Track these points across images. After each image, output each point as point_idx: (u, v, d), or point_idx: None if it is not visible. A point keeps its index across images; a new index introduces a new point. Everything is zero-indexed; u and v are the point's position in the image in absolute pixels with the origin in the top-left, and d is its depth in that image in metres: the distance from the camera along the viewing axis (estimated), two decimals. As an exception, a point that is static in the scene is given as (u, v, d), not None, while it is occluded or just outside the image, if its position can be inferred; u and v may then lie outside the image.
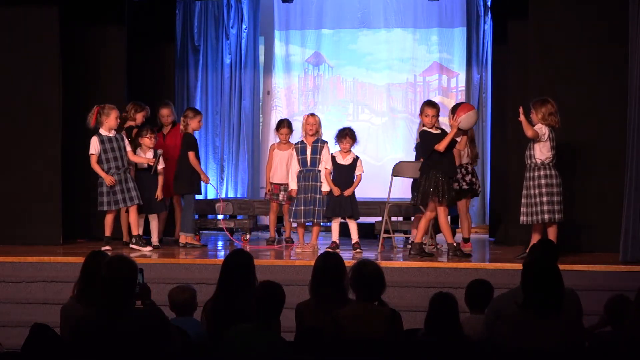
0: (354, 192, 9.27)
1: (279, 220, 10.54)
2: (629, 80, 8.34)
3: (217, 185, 12.45)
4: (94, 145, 9.17)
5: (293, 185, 9.40)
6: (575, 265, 7.93)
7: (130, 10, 10.58)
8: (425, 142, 8.82)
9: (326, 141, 9.42)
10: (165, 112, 10.16)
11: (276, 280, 5.26)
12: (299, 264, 8.26)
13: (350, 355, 4.95)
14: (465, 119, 8.63)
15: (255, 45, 12.86)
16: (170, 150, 9.89)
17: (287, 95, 12.99)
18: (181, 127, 9.70)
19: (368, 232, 10.28)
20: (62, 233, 9.79)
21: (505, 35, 10.39)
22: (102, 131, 9.20)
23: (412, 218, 9.89)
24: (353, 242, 9.24)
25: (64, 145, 9.86)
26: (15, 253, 8.80)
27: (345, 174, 9.29)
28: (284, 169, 9.82)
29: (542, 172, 8.36)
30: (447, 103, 12.08)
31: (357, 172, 9.31)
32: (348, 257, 8.64)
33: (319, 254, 5.83)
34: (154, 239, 9.51)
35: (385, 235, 9.55)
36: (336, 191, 9.19)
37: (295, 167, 9.40)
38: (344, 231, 9.42)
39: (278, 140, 10.09)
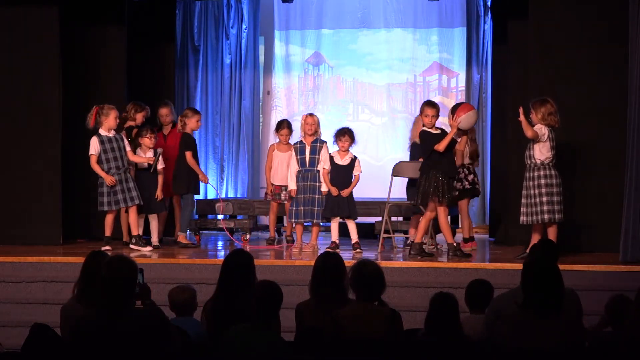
0: (352, 192, 9.27)
1: (279, 220, 10.55)
2: (629, 80, 8.34)
3: (217, 185, 12.45)
4: (94, 146, 9.17)
5: (292, 186, 9.41)
6: (575, 265, 7.93)
7: (130, 10, 10.58)
8: (425, 142, 8.82)
9: (325, 141, 9.42)
10: (164, 112, 10.16)
11: (276, 280, 5.26)
12: (299, 264, 8.26)
13: (350, 355, 4.95)
14: (465, 119, 8.63)
15: (255, 45, 12.86)
16: (170, 150, 9.89)
17: (287, 95, 12.99)
18: (178, 127, 9.73)
19: (368, 232, 10.28)
20: (62, 233, 9.79)
21: (505, 35, 10.39)
22: (102, 131, 9.20)
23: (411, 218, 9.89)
24: (353, 242, 9.24)
25: (64, 145, 9.86)
26: (15, 253, 8.79)
27: (343, 174, 9.29)
28: (284, 170, 9.80)
29: (541, 172, 8.36)
30: (447, 103, 12.09)
31: (355, 172, 9.30)
32: (348, 257, 8.64)
33: (319, 254, 5.84)
34: (154, 239, 9.51)
35: (385, 235, 9.55)
36: (334, 191, 9.20)
37: (294, 167, 9.41)
38: (344, 231, 9.43)
39: (278, 141, 10.09)
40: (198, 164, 9.77)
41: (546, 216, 8.33)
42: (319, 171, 9.31)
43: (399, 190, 10.10)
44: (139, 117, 9.82)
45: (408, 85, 12.78)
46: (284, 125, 10.03)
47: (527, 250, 7.90)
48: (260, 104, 13.01)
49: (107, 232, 9.25)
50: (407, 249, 9.24)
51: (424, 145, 8.84)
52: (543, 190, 8.34)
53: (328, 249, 7.90)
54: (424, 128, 8.88)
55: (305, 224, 9.54)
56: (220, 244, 10.78)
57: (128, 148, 9.34)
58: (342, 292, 5.45)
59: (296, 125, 10.11)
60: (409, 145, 9.84)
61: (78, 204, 10.17)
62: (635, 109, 8.24)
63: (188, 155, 9.56)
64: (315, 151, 9.34)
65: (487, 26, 12.27)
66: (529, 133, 8.31)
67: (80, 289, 5.48)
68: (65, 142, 9.88)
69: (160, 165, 9.57)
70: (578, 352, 4.82)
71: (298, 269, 8.08)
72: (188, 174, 9.60)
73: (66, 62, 9.97)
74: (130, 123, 9.77)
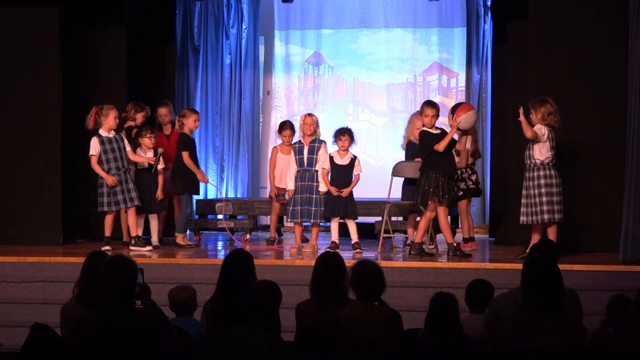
0: (352, 192, 9.26)
1: (279, 220, 10.55)
2: (629, 80, 8.34)
3: (217, 185, 12.44)
4: (94, 146, 9.17)
5: (291, 186, 9.41)
6: (575, 265, 7.93)
7: (130, 10, 10.58)
8: (425, 142, 8.81)
9: (324, 141, 9.42)
10: (163, 112, 10.14)
11: (276, 280, 5.26)
12: (299, 264, 8.26)
13: (350, 355, 4.95)
14: (464, 119, 8.63)
15: (255, 45, 12.85)
16: (173, 150, 9.87)
17: (287, 95, 12.99)
18: (176, 126, 9.72)
19: (368, 232, 10.28)
20: (62, 233, 9.79)
21: (505, 35, 10.39)
22: (102, 132, 9.20)
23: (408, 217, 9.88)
24: (353, 242, 9.24)
25: (64, 145, 9.86)
26: (15, 253, 8.79)
27: (343, 174, 9.28)
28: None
29: (541, 172, 8.36)
30: (447, 103, 12.08)
31: (355, 172, 9.30)
32: (348, 257, 8.64)
33: (319, 254, 5.84)
34: (154, 239, 9.51)
35: (385, 235, 9.55)
36: (333, 191, 9.20)
37: (293, 167, 9.41)
38: (344, 231, 9.43)
39: (280, 142, 10.07)
40: (197, 164, 9.76)
41: (546, 216, 8.34)
42: (317, 171, 9.31)
43: (399, 190, 10.08)
44: (139, 117, 9.81)
45: (408, 85, 12.78)
46: (287, 127, 10.01)
47: (527, 250, 7.90)
48: (260, 104, 13.01)
49: (107, 232, 9.25)
50: (407, 249, 9.24)
51: (424, 145, 8.84)
52: (543, 190, 8.34)
53: (328, 249, 7.90)
54: (424, 128, 8.87)
55: (305, 224, 9.54)
56: (220, 244, 10.79)
57: (128, 148, 9.34)
58: (342, 292, 5.45)
59: (296, 126, 10.11)
60: (404, 143, 9.82)
61: (78, 204, 10.17)
62: (635, 109, 8.24)
63: (185, 155, 9.55)
64: (313, 151, 9.34)
65: (487, 26, 12.26)
66: (528, 133, 8.31)
67: (80, 289, 5.48)
68: (65, 142, 9.88)
69: (160, 165, 9.57)
70: (578, 352, 4.82)
71: (298, 269, 8.08)
72: (184, 174, 9.59)
73: (66, 62, 9.97)
74: (130, 123, 9.77)
